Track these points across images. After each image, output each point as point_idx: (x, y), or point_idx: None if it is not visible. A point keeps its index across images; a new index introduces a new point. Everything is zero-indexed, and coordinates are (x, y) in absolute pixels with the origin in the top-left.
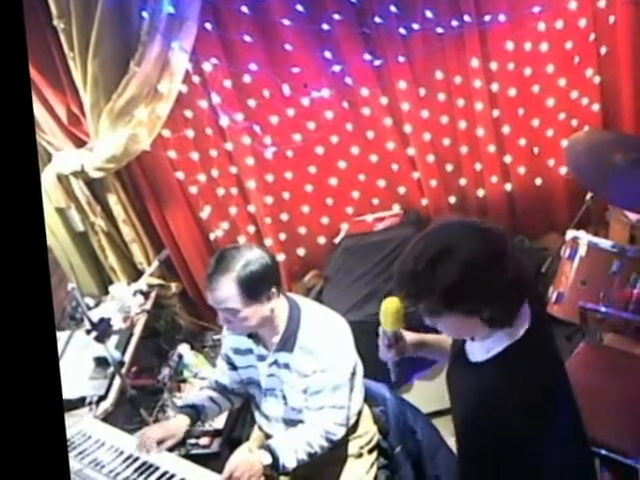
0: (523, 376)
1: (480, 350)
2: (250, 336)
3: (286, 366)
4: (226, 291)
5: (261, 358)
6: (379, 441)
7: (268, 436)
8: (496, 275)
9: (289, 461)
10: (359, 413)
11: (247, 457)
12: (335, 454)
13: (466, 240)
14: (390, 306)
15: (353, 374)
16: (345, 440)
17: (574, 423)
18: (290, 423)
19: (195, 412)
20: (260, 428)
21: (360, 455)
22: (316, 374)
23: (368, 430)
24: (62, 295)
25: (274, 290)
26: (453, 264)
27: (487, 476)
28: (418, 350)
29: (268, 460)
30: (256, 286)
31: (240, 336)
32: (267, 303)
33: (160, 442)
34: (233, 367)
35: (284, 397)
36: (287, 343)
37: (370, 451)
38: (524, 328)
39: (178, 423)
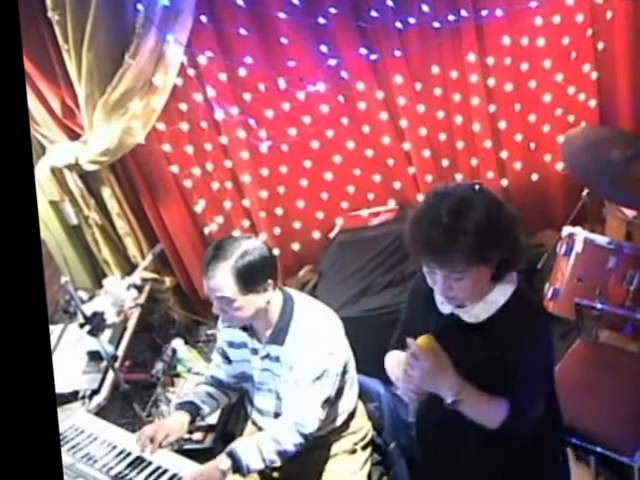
0: (536, 305)
1: (483, 311)
2: (244, 329)
3: (277, 359)
4: (222, 279)
5: (254, 352)
6: (373, 437)
7: (262, 430)
8: (507, 220)
9: (254, 462)
10: (353, 410)
11: (204, 467)
12: (329, 451)
13: (476, 192)
14: (429, 341)
15: (344, 372)
16: (339, 437)
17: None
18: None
19: (195, 408)
20: (254, 423)
21: (354, 451)
22: (298, 364)
23: (362, 426)
24: (55, 288)
25: (270, 282)
26: (477, 211)
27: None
28: None
29: (226, 464)
30: (252, 276)
31: (235, 329)
32: (263, 294)
33: (162, 441)
34: (228, 361)
35: (277, 392)
36: (279, 336)
37: (364, 447)
38: (515, 282)
39: (179, 420)
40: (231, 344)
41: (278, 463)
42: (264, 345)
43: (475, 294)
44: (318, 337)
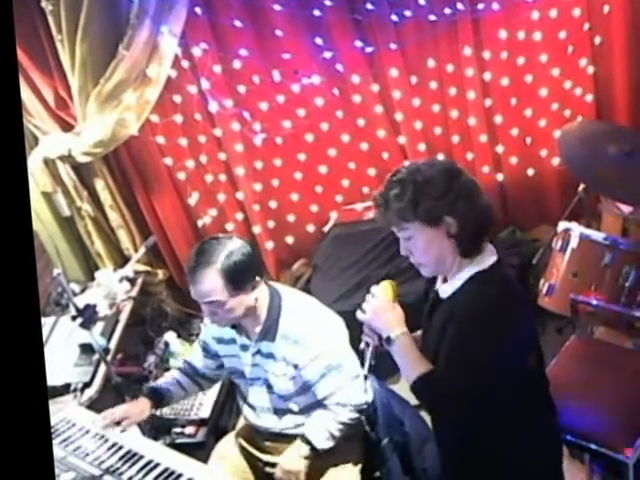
0: (490, 295)
1: (449, 286)
2: (233, 326)
3: (270, 355)
4: (211, 283)
5: (244, 348)
6: (367, 432)
7: (253, 426)
8: (452, 185)
9: (326, 443)
10: None
11: (286, 462)
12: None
13: (430, 161)
14: (390, 287)
15: (349, 353)
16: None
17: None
18: (280, 412)
19: (158, 396)
20: (245, 418)
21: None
22: (313, 361)
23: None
24: (47, 281)
25: (258, 279)
26: (418, 175)
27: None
28: None
29: (305, 450)
30: (241, 276)
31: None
32: (252, 292)
33: (119, 422)
34: (210, 355)
35: (269, 386)
36: (269, 332)
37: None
38: (491, 261)
39: (139, 405)
40: (220, 340)
41: (341, 436)
42: (254, 342)
43: (436, 261)
44: (311, 331)
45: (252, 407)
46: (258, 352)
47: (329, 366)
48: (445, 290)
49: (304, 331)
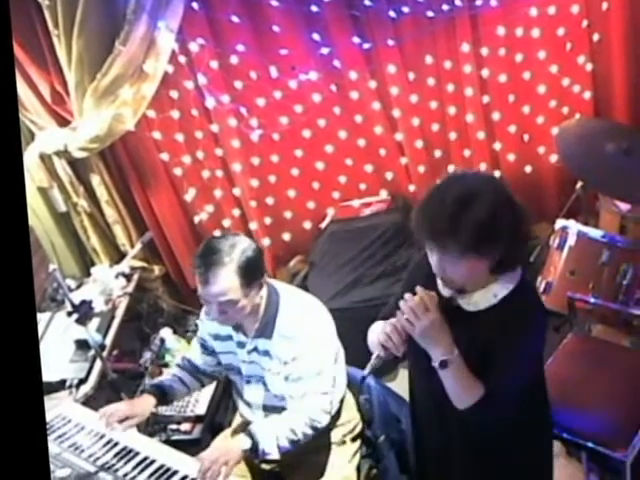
0: (535, 306)
1: (483, 300)
2: None
3: (266, 353)
4: (227, 283)
5: (241, 345)
6: (363, 429)
7: (249, 423)
8: (513, 221)
9: (269, 447)
10: (341, 401)
11: (225, 442)
12: (317, 442)
13: (488, 184)
14: (437, 297)
15: (335, 361)
16: (328, 428)
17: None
18: (271, 410)
19: (161, 393)
20: (242, 415)
21: (343, 443)
22: (296, 361)
23: (351, 418)
24: (43, 276)
25: (265, 276)
26: (482, 206)
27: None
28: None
29: (247, 444)
30: (254, 273)
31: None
32: (259, 290)
33: (123, 420)
34: (208, 351)
35: (265, 384)
36: (266, 329)
37: (353, 439)
38: (519, 274)
39: (144, 403)
40: (216, 337)
41: (288, 450)
42: (251, 339)
43: (470, 281)
44: (308, 330)
45: (248, 404)
46: (255, 349)
47: (310, 370)
48: (471, 303)
49: (300, 329)
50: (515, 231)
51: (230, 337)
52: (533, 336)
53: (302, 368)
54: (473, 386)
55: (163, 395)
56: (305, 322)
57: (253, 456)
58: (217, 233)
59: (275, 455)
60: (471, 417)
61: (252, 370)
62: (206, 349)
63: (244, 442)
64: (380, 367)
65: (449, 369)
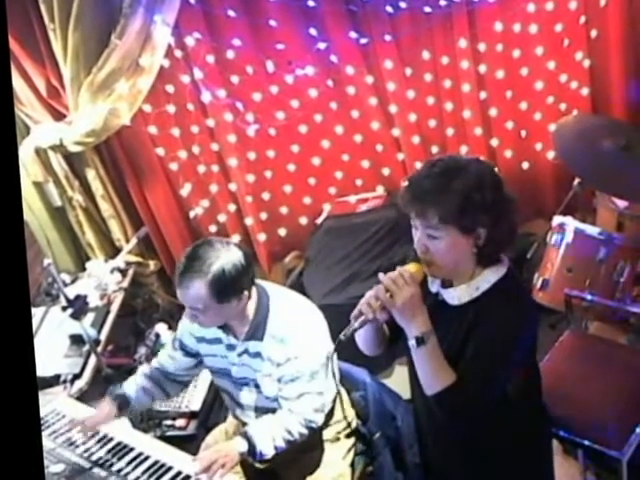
0: (517, 302)
1: (465, 293)
2: (219, 326)
3: (257, 355)
4: (197, 292)
5: (231, 347)
6: (358, 426)
7: (243, 423)
8: (498, 200)
9: (266, 448)
10: (334, 399)
11: (222, 444)
12: (311, 440)
13: (477, 163)
14: (422, 271)
15: (328, 361)
16: (321, 427)
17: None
18: (263, 411)
19: (125, 402)
20: (235, 417)
21: (337, 439)
22: (290, 362)
23: (345, 416)
24: (38, 271)
25: (246, 293)
26: (468, 178)
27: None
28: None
29: (244, 447)
30: (228, 290)
31: None
32: (237, 303)
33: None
34: (187, 353)
35: (257, 386)
36: (256, 331)
37: (347, 436)
38: (506, 266)
39: (106, 411)
40: (201, 339)
41: (284, 449)
42: (242, 341)
43: (452, 264)
44: (300, 331)
45: (240, 405)
46: (245, 352)
47: (305, 370)
48: (456, 297)
49: (292, 330)
50: (500, 212)
51: (219, 340)
52: (512, 329)
53: (295, 369)
54: (444, 372)
55: (127, 404)
56: (297, 323)
57: (250, 458)
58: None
59: (271, 455)
60: (438, 405)
61: (243, 372)
62: (184, 350)
63: (241, 444)
64: (375, 364)
65: (424, 348)
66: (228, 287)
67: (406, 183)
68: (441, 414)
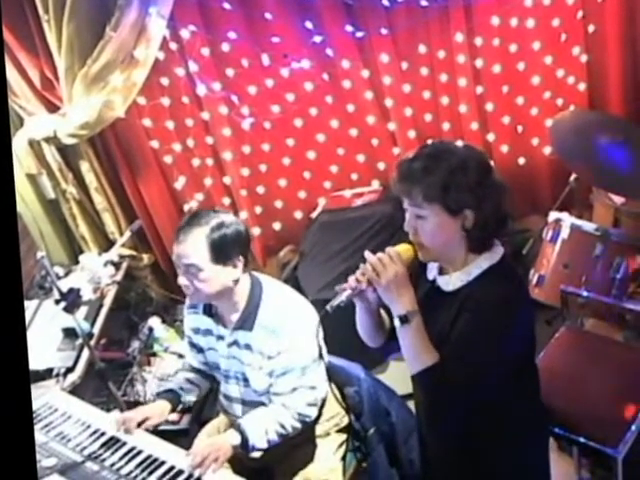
0: (506, 289)
1: (457, 279)
2: (210, 315)
3: (247, 347)
4: (194, 245)
5: (220, 338)
6: (352, 422)
7: (231, 417)
8: (483, 182)
9: (259, 441)
10: (325, 396)
11: (215, 438)
12: (302, 436)
13: (466, 148)
14: (411, 252)
15: (319, 356)
16: (313, 422)
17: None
18: (250, 404)
19: (175, 396)
20: (223, 409)
21: (327, 434)
22: (282, 355)
23: (337, 413)
24: (31, 263)
25: (241, 259)
26: (453, 159)
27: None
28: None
29: (237, 440)
30: (225, 247)
31: (199, 315)
32: (232, 269)
33: (140, 424)
34: (196, 349)
35: (245, 379)
36: (247, 321)
37: (339, 431)
38: (499, 254)
39: (159, 408)
40: (197, 330)
41: (277, 442)
42: (231, 331)
43: (438, 245)
44: (292, 323)
45: (228, 398)
46: (235, 343)
47: (296, 364)
48: (450, 283)
49: (284, 322)
50: (485, 194)
51: (210, 331)
52: (498, 313)
53: (287, 362)
54: (427, 352)
55: (177, 398)
56: (289, 315)
57: (244, 451)
58: None
59: (265, 448)
60: (418, 384)
61: (231, 365)
62: (194, 347)
63: (234, 437)
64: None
65: (408, 327)
66: (225, 244)
67: (397, 164)
68: (420, 394)
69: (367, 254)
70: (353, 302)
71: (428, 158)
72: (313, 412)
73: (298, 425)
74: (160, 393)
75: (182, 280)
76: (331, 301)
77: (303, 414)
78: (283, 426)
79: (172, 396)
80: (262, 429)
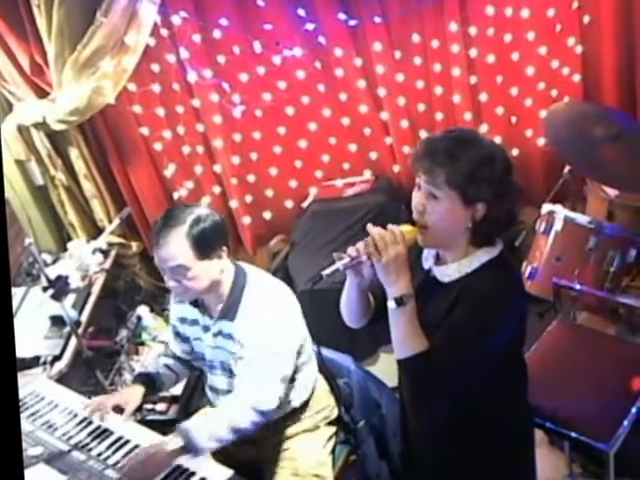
0: (503, 283)
1: (455, 270)
2: (196, 305)
3: (230, 336)
4: (176, 246)
5: (206, 329)
6: (341, 414)
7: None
8: (506, 179)
9: (206, 442)
10: (312, 390)
11: (149, 446)
12: (290, 430)
13: (492, 142)
14: (414, 234)
15: (299, 352)
16: (300, 417)
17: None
18: None
19: (150, 380)
20: (209, 402)
21: (317, 427)
22: (252, 342)
23: (326, 406)
24: (19, 250)
25: (225, 249)
26: (481, 150)
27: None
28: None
29: (177, 444)
30: (208, 241)
31: (186, 305)
32: (217, 261)
33: (115, 409)
34: (181, 338)
35: (230, 370)
36: (230, 311)
37: (328, 424)
38: (499, 248)
39: (133, 392)
40: (183, 320)
41: (231, 440)
42: (215, 321)
43: (443, 230)
44: (271, 314)
45: (214, 390)
46: (219, 333)
47: (268, 350)
48: (447, 274)
49: (264, 313)
50: (505, 191)
51: (196, 322)
52: (491, 306)
53: (257, 349)
54: (417, 339)
55: (152, 383)
56: (268, 304)
57: (190, 454)
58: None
59: (215, 447)
60: (404, 370)
61: (216, 355)
62: (179, 336)
63: (175, 442)
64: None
65: (402, 310)
66: (206, 238)
67: (421, 140)
68: (406, 380)
69: (370, 227)
70: (339, 290)
71: (456, 142)
72: (270, 403)
73: (256, 417)
74: (135, 377)
75: (170, 283)
76: (327, 267)
77: (259, 403)
78: (233, 420)
79: (147, 379)
80: (208, 428)
